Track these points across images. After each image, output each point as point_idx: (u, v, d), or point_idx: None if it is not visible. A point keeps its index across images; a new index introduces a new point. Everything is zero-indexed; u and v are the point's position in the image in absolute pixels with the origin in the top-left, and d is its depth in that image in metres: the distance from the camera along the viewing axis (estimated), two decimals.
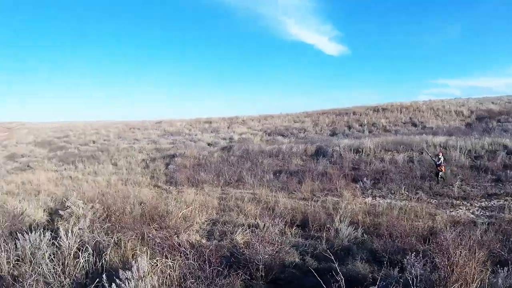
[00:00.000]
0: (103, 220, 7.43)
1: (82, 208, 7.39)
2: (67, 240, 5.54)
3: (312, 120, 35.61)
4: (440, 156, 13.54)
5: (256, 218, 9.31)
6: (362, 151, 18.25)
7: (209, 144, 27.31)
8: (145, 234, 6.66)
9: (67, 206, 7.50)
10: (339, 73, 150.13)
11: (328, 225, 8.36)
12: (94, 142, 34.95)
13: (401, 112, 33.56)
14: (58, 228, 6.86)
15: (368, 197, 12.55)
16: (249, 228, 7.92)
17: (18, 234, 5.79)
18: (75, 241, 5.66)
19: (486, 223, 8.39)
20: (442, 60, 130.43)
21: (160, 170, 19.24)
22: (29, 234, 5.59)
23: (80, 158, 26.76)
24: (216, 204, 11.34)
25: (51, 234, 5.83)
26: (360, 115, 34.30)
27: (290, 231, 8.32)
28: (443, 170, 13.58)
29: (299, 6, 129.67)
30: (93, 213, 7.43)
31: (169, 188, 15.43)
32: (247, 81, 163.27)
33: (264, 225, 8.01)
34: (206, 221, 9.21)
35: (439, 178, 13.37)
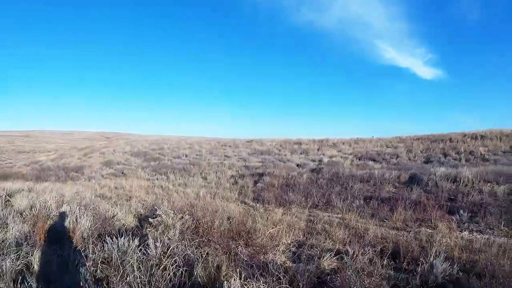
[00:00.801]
0: (191, 232, 7.46)
1: (172, 217, 7.49)
2: (155, 249, 5.53)
3: (406, 145, 33.91)
4: None
5: (345, 244, 8.90)
6: (460, 181, 16.95)
7: (298, 165, 26.98)
8: (232, 250, 6.57)
9: (158, 214, 7.65)
10: (434, 98, 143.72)
11: (421, 259, 7.74)
12: (186, 156, 36.23)
13: (500, 140, 30.81)
14: (146, 235, 6.98)
15: (465, 231, 11.41)
16: (337, 255, 7.55)
17: (107, 237, 5.93)
18: (163, 251, 5.64)
19: None
20: None
21: (248, 187, 19.25)
22: (118, 238, 5.67)
23: (172, 169, 27.83)
24: (303, 226, 10.95)
25: (139, 241, 5.88)
26: (457, 142, 32.06)
27: (380, 262, 7.81)
28: None
29: (394, 29, 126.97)
30: (182, 224, 7.48)
31: (255, 205, 15.33)
32: (338, 103, 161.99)
33: (353, 252, 7.59)
34: (292, 242, 8.91)
35: None
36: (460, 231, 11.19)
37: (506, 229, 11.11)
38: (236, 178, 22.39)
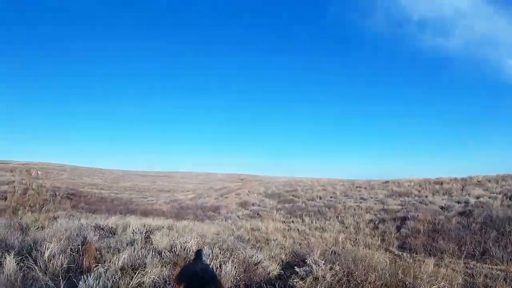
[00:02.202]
0: (343, 285, 6.97)
1: (322, 269, 7.07)
2: None
3: None
4: None
5: None
6: None
7: (442, 208, 24.86)
8: None
9: (307, 263, 7.30)
10: None
11: None
12: (320, 198, 35.86)
13: None
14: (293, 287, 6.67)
15: None
16: None
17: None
18: None
19: None
20: None
21: (391, 233, 18.13)
22: None
23: (307, 212, 27.62)
24: (460, 281, 9.81)
25: None
26: None
27: None
28: None
29: None
30: (332, 275, 7.04)
31: (401, 254, 14.26)
32: (473, 135, 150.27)
33: None
34: None
35: None
36: None
37: None
38: (376, 223, 21.34)
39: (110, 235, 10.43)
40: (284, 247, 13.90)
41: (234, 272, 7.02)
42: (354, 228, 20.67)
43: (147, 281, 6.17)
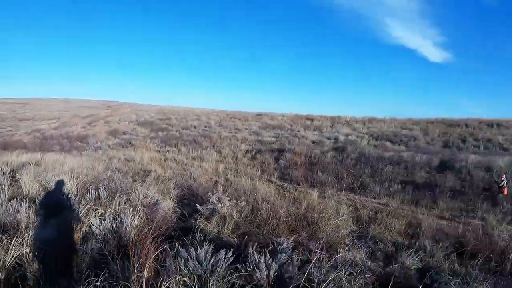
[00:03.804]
0: (250, 222, 6.21)
1: (227, 206, 6.16)
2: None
3: (421, 128, 32.83)
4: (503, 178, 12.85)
5: (410, 237, 7.90)
6: (493, 170, 15.82)
7: (313, 142, 25.79)
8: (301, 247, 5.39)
9: (210, 200, 6.31)
10: (442, 82, 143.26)
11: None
12: (195, 127, 34.97)
13: None
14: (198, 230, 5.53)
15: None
16: (407, 249, 6.43)
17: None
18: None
19: None
20: None
21: (270, 164, 18.06)
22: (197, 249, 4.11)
23: (182, 141, 26.60)
24: (346, 212, 9.82)
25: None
26: (474, 129, 30.86)
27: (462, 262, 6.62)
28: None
29: (405, 8, 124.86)
30: (238, 212, 6.22)
31: (284, 184, 14.19)
32: (345, 81, 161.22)
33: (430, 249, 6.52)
34: (350, 233, 7.65)
35: None
36: (507, 224, 10.27)
37: None
38: (253, 154, 21.17)
39: None
40: (168, 179, 12.72)
41: (137, 223, 5.01)
42: (232, 158, 20.24)
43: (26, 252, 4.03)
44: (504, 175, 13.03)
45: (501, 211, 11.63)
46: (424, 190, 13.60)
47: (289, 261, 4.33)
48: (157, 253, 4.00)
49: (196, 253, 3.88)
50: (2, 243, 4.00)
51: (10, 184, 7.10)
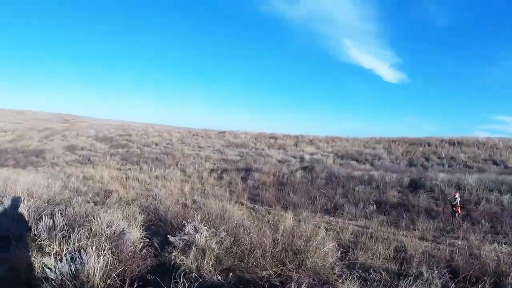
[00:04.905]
0: (232, 255, 5.55)
1: (206, 236, 5.45)
2: None
3: (384, 147, 33.24)
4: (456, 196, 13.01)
5: (401, 264, 7.50)
6: (464, 188, 15.96)
7: (279, 161, 25.42)
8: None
9: (185, 231, 5.57)
10: (397, 101, 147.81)
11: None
12: (156, 144, 33.99)
13: (478, 148, 30.61)
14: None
15: (493, 243, 10.48)
16: (403, 277, 6.01)
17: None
18: None
19: None
20: (504, 96, 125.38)
21: (237, 184, 17.45)
22: None
23: (144, 159, 25.66)
24: (328, 237, 9.34)
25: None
26: (436, 147, 31.62)
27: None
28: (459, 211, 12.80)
29: (361, 29, 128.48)
30: (217, 243, 5.54)
31: (255, 206, 13.63)
32: (307, 100, 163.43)
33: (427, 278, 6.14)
34: (336, 260, 7.11)
35: None
36: (490, 245, 10.19)
37: None
38: (219, 173, 20.54)
39: None
40: (131, 200, 11.82)
41: (102, 264, 4.08)
42: (197, 178, 19.51)
43: None
44: (458, 193, 13.35)
45: (480, 230, 11.59)
46: (399, 210, 13.43)
47: None
48: None
49: None
50: None
51: None
